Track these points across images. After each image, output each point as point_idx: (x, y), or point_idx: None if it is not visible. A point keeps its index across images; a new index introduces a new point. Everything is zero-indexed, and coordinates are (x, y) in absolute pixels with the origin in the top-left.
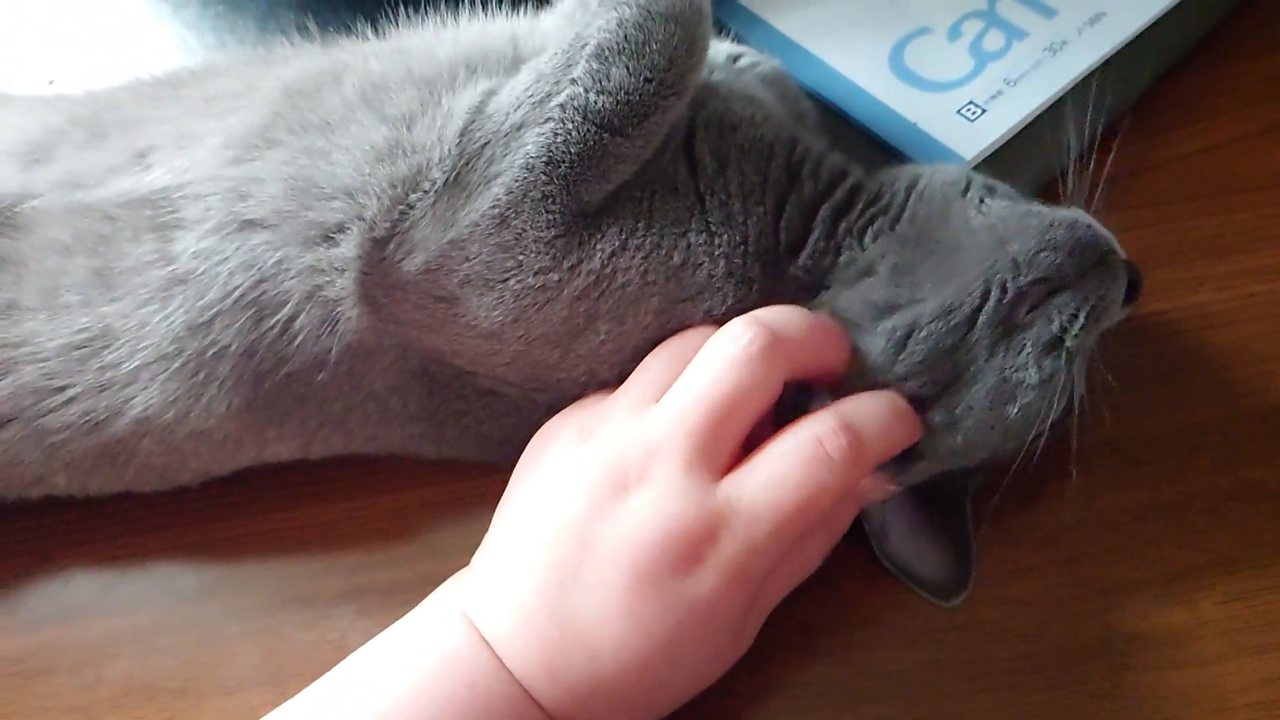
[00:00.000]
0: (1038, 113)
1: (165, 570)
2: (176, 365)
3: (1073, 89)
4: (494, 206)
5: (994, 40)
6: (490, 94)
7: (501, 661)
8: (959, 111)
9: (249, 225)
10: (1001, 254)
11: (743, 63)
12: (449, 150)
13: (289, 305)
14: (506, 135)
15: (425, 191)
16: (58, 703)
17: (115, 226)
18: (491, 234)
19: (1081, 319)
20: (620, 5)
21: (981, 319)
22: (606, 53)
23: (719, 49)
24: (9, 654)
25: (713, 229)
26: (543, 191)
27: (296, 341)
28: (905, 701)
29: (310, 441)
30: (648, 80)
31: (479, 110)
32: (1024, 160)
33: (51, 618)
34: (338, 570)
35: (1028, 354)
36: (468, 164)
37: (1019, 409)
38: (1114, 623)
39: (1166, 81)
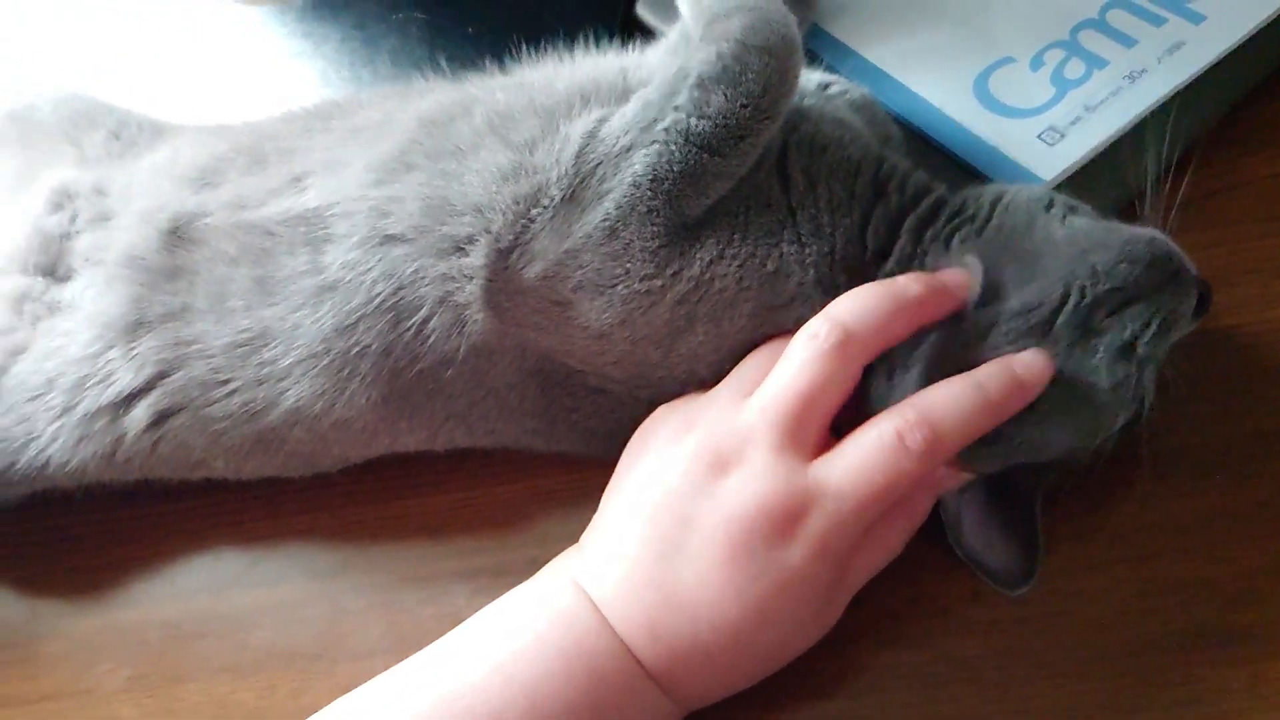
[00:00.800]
0: (1115, 138)
1: (303, 550)
2: (325, 362)
3: (1151, 115)
4: (605, 220)
5: (1075, 69)
6: (603, 121)
7: (608, 621)
8: (1039, 136)
9: (390, 239)
10: (1082, 262)
11: (833, 90)
12: (566, 171)
13: (423, 309)
14: (617, 157)
15: (545, 207)
16: (211, 662)
17: (274, 241)
18: (602, 244)
19: (1154, 328)
20: (720, 40)
21: (1060, 320)
22: (707, 82)
23: (811, 77)
24: (168, 619)
25: (803, 239)
26: (648, 206)
27: (429, 342)
28: (978, 686)
29: (436, 433)
30: (744, 106)
31: (592, 135)
32: (1102, 183)
33: (203, 589)
34: (454, 553)
35: (1101, 357)
36: (582, 182)
37: (1092, 410)
38: (1180, 619)
39: (1243, 107)
